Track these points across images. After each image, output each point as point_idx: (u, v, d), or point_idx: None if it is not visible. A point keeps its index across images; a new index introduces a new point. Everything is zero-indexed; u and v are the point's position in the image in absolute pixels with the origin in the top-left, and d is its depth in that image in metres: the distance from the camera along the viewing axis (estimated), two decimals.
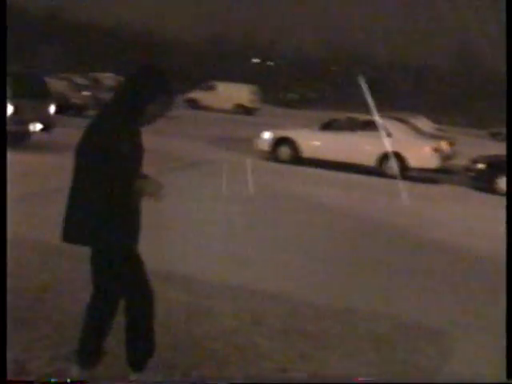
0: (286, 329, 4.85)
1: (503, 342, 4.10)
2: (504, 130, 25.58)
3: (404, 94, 77.60)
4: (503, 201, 7.23)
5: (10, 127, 12.88)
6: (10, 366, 3.55)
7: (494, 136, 39.05)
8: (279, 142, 16.92)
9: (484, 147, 24.94)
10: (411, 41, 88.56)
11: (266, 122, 26.69)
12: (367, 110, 17.48)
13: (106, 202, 3.27)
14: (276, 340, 4.61)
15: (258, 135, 17.47)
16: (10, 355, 3.63)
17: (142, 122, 3.44)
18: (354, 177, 15.63)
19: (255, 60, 74.47)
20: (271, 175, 14.12)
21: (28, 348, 4.00)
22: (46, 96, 15.88)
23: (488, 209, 12.77)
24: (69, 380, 3.57)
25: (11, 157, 5.89)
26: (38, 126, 15.12)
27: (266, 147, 17.09)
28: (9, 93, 13.23)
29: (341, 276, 6.78)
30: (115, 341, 3.75)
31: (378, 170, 16.02)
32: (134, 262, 3.49)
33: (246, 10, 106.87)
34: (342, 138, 16.66)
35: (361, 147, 16.37)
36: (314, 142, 16.87)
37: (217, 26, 78.05)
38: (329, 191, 12.72)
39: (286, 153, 16.84)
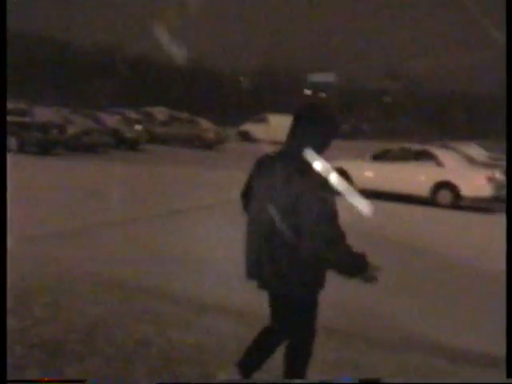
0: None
1: None
2: None
3: (456, 123, 76.82)
4: None
5: None
6: None
7: None
8: None
9: None
10: (463, 68, 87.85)
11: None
12: (420, 140, 17.53)
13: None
14: None
15: None
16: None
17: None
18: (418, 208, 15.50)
19: (307, 91, 74.94)
20: None
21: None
22: None
23: None
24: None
25: None
26: None
27: None
28: None
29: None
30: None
31: (431, 200, 16.04)
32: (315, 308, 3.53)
33: (297, 41, 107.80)
34: (395, 169, 16.74)
35: (414, 177, 16.41)
36: (366, 173, 16.99)
37: (268, 57, 78.70)
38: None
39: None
